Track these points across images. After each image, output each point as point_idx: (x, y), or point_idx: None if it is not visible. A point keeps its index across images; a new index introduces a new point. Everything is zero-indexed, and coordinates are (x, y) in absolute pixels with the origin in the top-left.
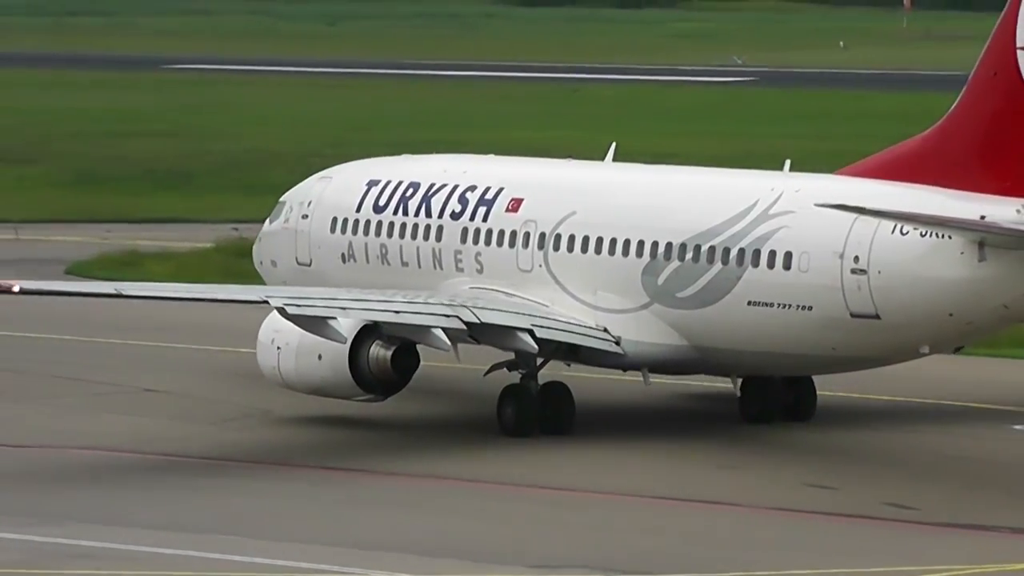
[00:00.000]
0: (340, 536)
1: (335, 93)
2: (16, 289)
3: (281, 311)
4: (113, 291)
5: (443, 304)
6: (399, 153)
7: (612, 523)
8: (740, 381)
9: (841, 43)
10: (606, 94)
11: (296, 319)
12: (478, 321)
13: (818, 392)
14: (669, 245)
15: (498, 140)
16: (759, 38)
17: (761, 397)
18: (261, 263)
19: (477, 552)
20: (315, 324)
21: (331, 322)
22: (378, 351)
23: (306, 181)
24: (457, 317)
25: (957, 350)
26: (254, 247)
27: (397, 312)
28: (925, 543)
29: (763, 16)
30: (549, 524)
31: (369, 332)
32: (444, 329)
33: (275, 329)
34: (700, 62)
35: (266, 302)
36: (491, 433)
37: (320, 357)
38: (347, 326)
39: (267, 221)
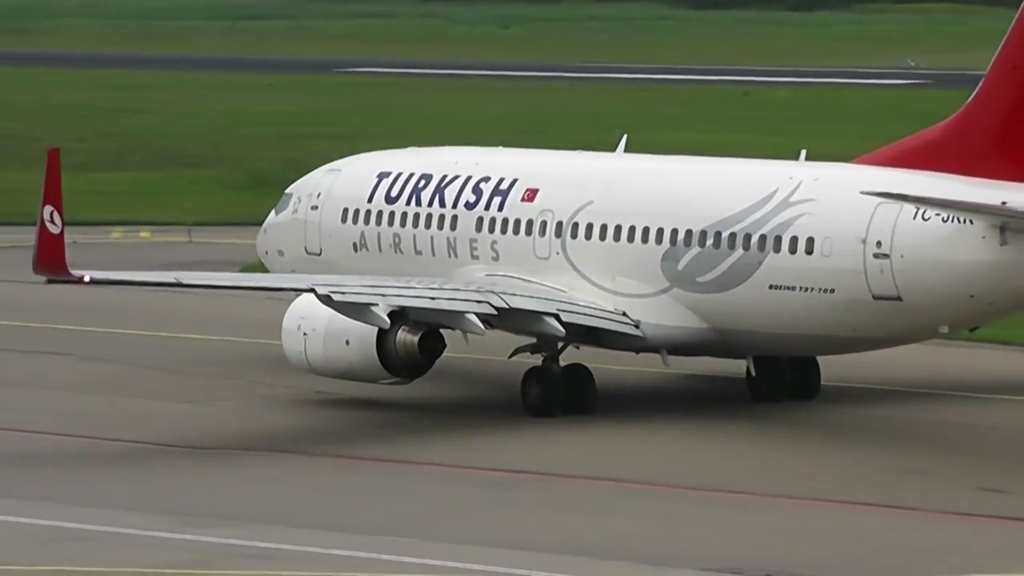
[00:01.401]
0: (511, 538)
1: (508, 96)
2: (87, 279)
3: (326, 298)
4: (173, 280)
5: (473, 290)
6: None
7: (786, 526)
8: (752, 361)
9: None
10: (778, 97)
11: (339, 306)
12: (507, 306)
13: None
14: (689, 232)
15: (669, 143)
16: (933, 40)
17: (769, 377)
18: (267, 253)
19: (650, 554)
20: (357, 310)
21: (373, 308)
22: (405, 336)
23: (313, 174)
24: (488, 303)
25: (973, 330)
26: (258, 238)
27: (433, 299)
28: None
29: (937, 18)
30: (714, 525)
31: (396, 317)
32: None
33: (301, 316)
34: (873, 64)
35: (312, 290)
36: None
37: (348, 342)
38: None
39: (272, 213)
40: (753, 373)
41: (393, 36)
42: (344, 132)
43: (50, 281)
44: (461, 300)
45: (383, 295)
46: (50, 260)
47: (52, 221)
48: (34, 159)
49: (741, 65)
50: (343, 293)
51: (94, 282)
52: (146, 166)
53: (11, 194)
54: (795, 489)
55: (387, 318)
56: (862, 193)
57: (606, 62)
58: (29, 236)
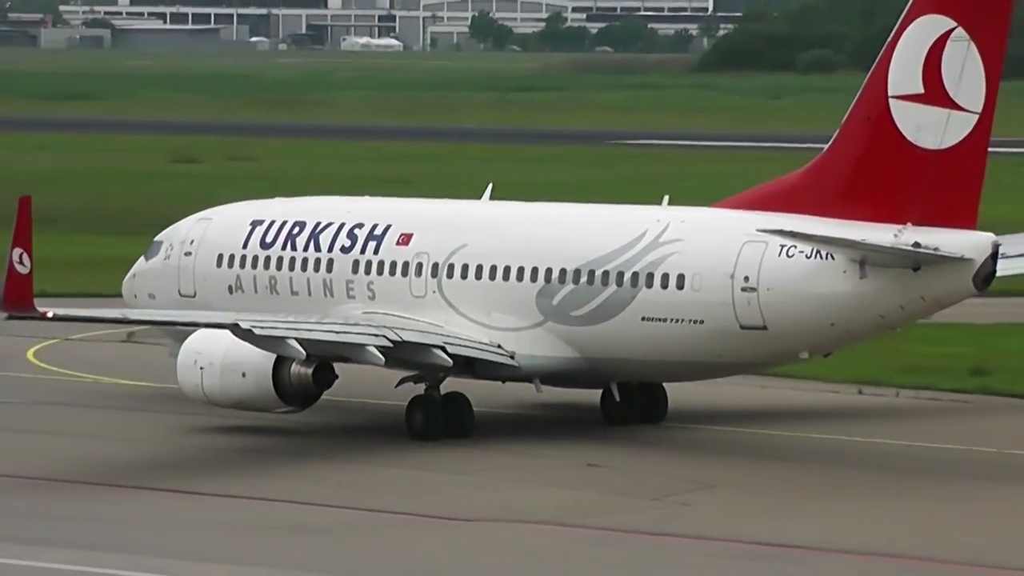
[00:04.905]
0: None
1: (779, 167)
2: (51, 315)
3: (248, 332)
4: (120, 315)
5: (368, 325)
6: None
7: None
8: (616, 387)
9: None
10: None
11: (259, 340)
12: (400, 339)
13: None
14: (563, 271)
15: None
16: None
17: (623, 402)
18: (135, 296)
19: None
20: (274, 344)
21: (288, 341)
22: (299, 368)
23: (183, 222)
24: (384, 336)
25: (826, 356)
26: (125, 282)
27: (338, 332)
28: None
29: None
30: None
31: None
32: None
33: (197, 351)
34: None
35: (236, 325)
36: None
37: (244, 374)
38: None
39: (141, 259)
40: (617, 399)
41: (664, 107)
42: (616, 203)
43: (11, 317)
44: (361, 334)
45: (296, 329)
46: (18, 298)
47: (21, 262)
48: None
49: (1017, 136)
50: (263, 327)
51: (56, 318)
52: None
53: None
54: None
55: (303, 349)
56: (758, 231)
57: None
58: None
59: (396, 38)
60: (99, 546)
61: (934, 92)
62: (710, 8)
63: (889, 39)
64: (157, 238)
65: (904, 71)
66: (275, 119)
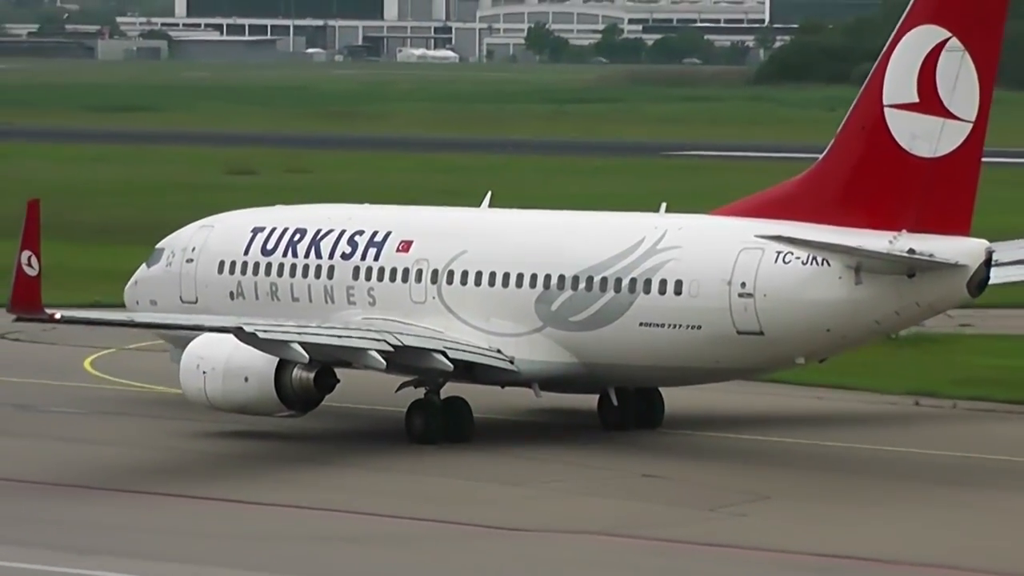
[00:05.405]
0: None
1: None
2: (58, 316)
3: (252, 336)
4: (127, 319)
5: (369, 330)
6: None
7: None
8: (613, 392)
9: None
10: None
11: (262, 344)
12: (401, 344)
13: None
14: (562, 277)
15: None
16: None
17: (621, 407)
18: (137, 303)
19: None
20: (277, 347)
21: (292, 345)
22: (301, 373)
23: (184, 229)
24: (385, 341)
25: (821, 361)
26: (127, 290)
27: (339, 337)
28: None
29: None
30: None
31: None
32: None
33: (199, 356)
34: None
35: (240, 329)
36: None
37: (247, 379)
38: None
39: (143, 266)
40: (615, 403)
41: (721, 118)
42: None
43: (19, 319)
44: (363, 339)
45: (300, 334)
46: (26, 300)
47: (30, 265)
48: None
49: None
50: (266, 331)
51: (64, 320)
52: None
53: None
54: None
55: (305, 353)
56: (756, 236)
57: None
58: None
59: (452, 50)
60: (96, 550)
61: (929, 101)
62: (766, 20)
63: (884, 49)
64: (159, 245)
65: (899, 81)
66: (331, 131)
